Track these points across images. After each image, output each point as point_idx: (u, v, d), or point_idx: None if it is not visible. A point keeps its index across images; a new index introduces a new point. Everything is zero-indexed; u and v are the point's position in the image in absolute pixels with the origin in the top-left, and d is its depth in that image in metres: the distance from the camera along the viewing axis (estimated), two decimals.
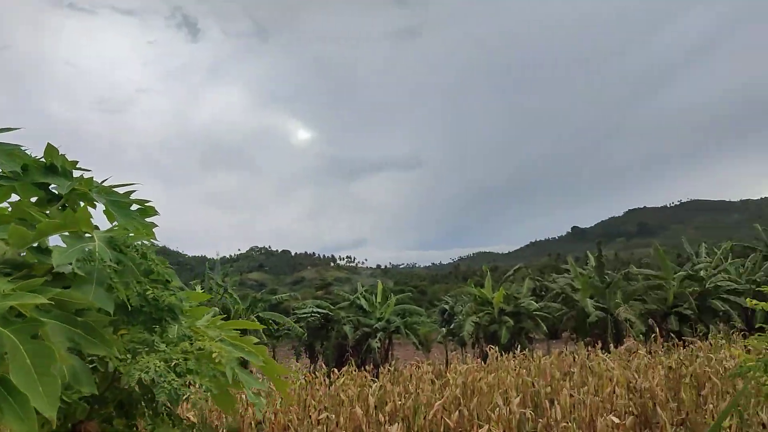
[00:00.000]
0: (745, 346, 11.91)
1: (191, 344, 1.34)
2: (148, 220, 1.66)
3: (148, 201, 1.70)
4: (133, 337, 1.23)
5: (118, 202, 1.61)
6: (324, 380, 14.02)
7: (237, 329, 1.74)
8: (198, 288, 20.99)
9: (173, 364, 1.24)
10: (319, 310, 21.68)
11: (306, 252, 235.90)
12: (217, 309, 12.29)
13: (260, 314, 20.34)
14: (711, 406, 9.71)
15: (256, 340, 1.70)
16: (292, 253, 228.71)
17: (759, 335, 4.22)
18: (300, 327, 20.88)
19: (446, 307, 28.05)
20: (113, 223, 1.59)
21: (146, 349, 1.23)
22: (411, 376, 13.91)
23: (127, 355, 1.19)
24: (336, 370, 16.01)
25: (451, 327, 23.89)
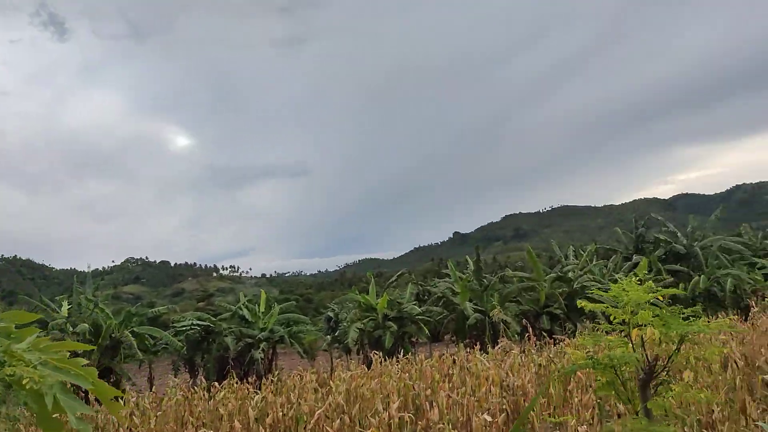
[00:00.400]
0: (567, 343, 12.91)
1: (0, 370, 1.25)
2: None
3: None
4: None
5: None
6: (204, 395, 13.59)
7: (65, 351, 1.64)
8: (65, 303, 19.69)
9: None
10: (199, 322, 20.97)
11: (187, 262, 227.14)
12: (86, 325, 11.56)
13: (135, 329, 19.35)
14: (576, 399, 10.33)
15: (86, 361, 1.61)
16: (172, 264, 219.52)
17: (583, 334, 4.58)
18: (179, 341, 20.09)
19: (331, 314, 28.03)
20: None
21: None
22: (294, 386, 13.78)
23: None
24: (217, 383, 15.54)
25: (336, 334, 23.90)
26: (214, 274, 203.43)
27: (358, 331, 21.35)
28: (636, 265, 26.04)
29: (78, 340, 17.28)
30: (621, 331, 4.19)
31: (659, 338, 3.62)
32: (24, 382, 1.26)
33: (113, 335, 18.64)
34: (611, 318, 4.02)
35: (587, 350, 4.32)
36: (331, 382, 13.34)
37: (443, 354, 16.87)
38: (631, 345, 3.77)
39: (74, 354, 2.06)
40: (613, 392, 3.99)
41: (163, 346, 20.78)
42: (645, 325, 3.67)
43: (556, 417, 8.27)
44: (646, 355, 3.73)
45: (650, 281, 4.01)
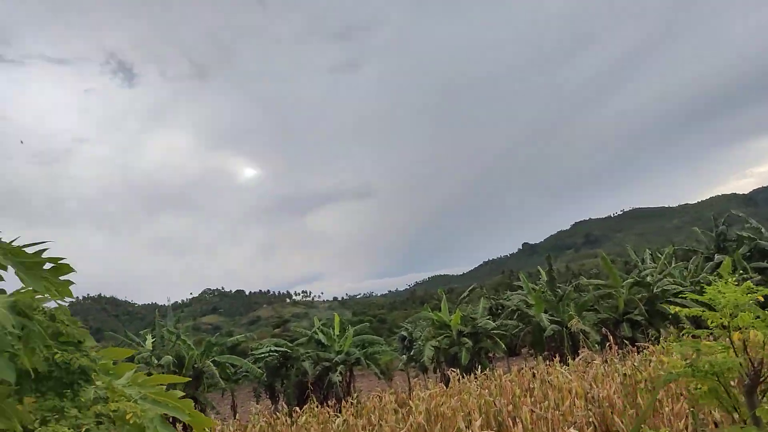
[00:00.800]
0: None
1: (105, 406, 1.28)
2: (63, 277, 1.60)
3: (61, 258, 1.63)
4: (41, 404, 1.17)
5: (25, 263, 1.55)
6: (286, 420, 13.74)
7: (161, 384, 1.68)
8: (149, 337, 20.40)
9: (84, 429, 1.18)
10: (277, 348, 21.30)
11: (261, 290, 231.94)
12: (170, 357, 11.93)
13: (216, 358, 19.84)
14: (667, 408, 9.88)
15: (182, 393, 1.64)
16: (247, 293, 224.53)
17: (681, 341, 4.32)
18: (258, 368, 20.46)
19: (405, 333, 27.96)
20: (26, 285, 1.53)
21: (56, 416, 1.17)
22: (374, 407, 13.75)
23: (36, 425, 1.13)
24: (298, 408, 15.70)
25: (412, 353, 23.80)
26: (288, 300, 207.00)
27: (433, 348, 21.19)
28: (719, 264, 24.83)
29: (162, 372, 17.83)
30: (715, 335, 3.96)
31: (764, 341, 3.39)
32: (128, 416, 1.29)
33: (196, 365, 19.14)
34: (709, 322, 3.79)
35: (685, 357, 4.06)
36: (410, 402, 13.26)
37: (522, 368, 16.51)
38: (732, 350, 3.54)
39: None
40: (717, 401, 3.76)
41: (244, 373, 21.19)
42: (747, 328, 3.44)
43: (647, 428, 7.91)
44: (750, 360, 3.49)
45: (749, 282, 3.76)
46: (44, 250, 1.61)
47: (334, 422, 12.22)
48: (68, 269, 1.63)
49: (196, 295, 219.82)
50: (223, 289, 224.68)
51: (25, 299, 1.25)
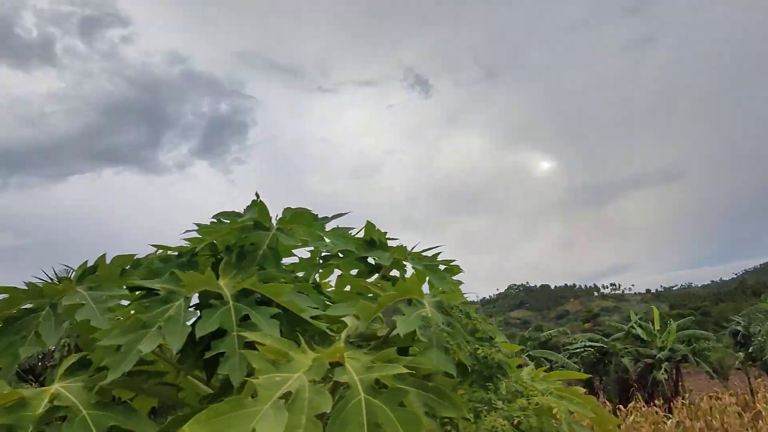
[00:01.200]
0: None
1: (528, 400, 1.34)
2: (454, 278, 1.75)
3: (452, 260, 1.79)
4: (472, 396, 1.27)
5: (430, 266, 1.74)
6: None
7: (560, 380, 1.71)
8: None
9: (515, 422, 1.25)
10: (592, 343, 20.69)
11: (566, 284, 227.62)
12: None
13: (531, 353, 20.03)
14: None
15: (583, 390, 1.65)
16: (552, 287, 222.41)
17: None
18: (574, 363, 20.11)
19: (739, 328, 24.83)
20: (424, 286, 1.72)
21: (486, 408, 1.26)
22: (711, 408, 12.52)
23: (470, 415, 1.24)
24: (621, 406, 15.03)
25: (750, 350, 21.07)
26: (595, 294, 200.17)
27: None
28: None
29: None
30: None
31: None
32: (554, 411, 1.35)
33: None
34: None
35: None
36: (757, 405, 11.77)
37: None
38: None
39: None
40: None
41: (559, 368, 21.04)
42: None
43: None
44: None
45: None
46: (439, 253, 1.79)
47: (666, 423, 11.43)
48: (458, 270, 1.79)
49: (501, 290, 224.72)
50: (527, 284, 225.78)
51: (445, 299, 1.38)
